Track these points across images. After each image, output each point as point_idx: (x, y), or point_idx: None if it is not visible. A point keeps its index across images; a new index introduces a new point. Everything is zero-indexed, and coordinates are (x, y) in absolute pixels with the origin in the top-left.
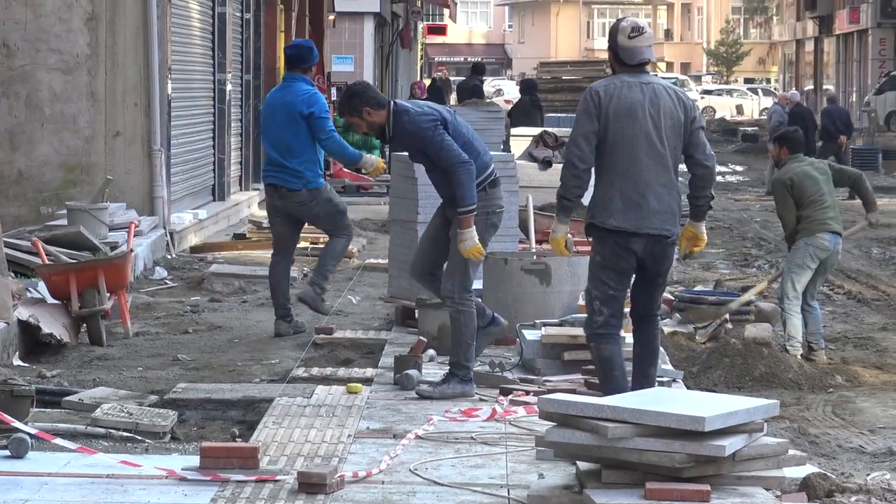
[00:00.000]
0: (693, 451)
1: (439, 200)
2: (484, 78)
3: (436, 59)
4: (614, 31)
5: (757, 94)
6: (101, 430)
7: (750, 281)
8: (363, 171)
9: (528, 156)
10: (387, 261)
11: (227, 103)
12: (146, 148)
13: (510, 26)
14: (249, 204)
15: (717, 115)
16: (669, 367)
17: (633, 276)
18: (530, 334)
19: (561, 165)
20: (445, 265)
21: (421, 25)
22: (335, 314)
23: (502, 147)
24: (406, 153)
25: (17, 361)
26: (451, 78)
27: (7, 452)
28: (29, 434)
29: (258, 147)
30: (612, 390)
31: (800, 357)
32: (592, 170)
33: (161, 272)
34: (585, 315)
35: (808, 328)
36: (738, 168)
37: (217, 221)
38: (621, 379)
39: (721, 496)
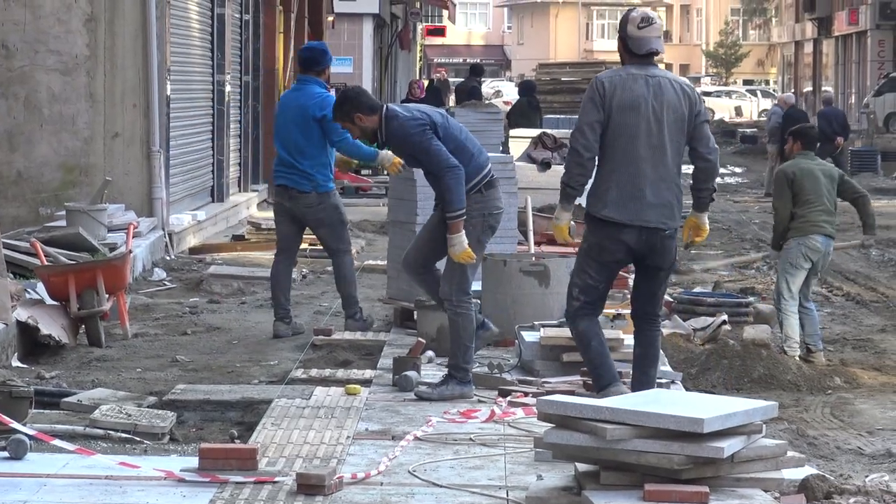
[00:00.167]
0: (692, 453)
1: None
2: (482, 79)
3: (435, 60)
4: (624, 21)
5: (756, 95)
6: (100, 432)
7: (748, 282)
8: (382, 168)
9: (527, 157)
10: (385, 262)
11: (226, 104)
12: (145, 149)
13: (509, 28)
14: (248, 205)
15: (716, 117)
16: (668, 368)
17: (617, 269)
18: (529, 336)
19: (560, 167)
20: (443, 268)
21: (420, 27)
22: (334, 315)
23: (501, 148)
24: None
25: (15, 362)
26: (451, 79)
27: (6, 454)
28: (27, 435)
29: (257, 148)
30: (590, 361)
31: (798, 358)
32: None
33: (160, 273)
34: None
35: (806, 330)
36: (737, 170)
37: (216, 223)
38: (599, 348)
39: (720, 498)
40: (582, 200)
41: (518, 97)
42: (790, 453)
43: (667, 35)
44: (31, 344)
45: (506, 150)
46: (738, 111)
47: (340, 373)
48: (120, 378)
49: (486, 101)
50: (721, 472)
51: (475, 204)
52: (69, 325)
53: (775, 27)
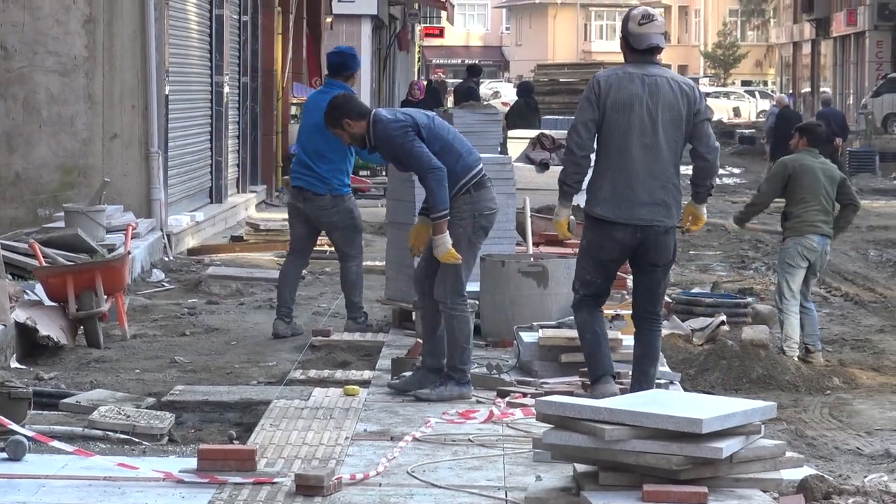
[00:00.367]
0: (690, 453)
1: None
2: (479, 80)
3: (433, 61)
4: (626, 19)
5: (754, 96)
6: (99, 433)
7: (747, 283)
8: None
9: (525, 158)
10: (384, 263)
11: (225, 106)
12: (143, 150)
13: (507, 29)
14: (247, 206)
15: (715, 118)
16: (667, 369)
17: (614, 267)
18: (527, 336)
19: (558, 167)
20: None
21: (418, 28)
22: (332, 316)
23: (499, 149)
24: None
25: (14, 364)
26: (449, 80)
27: (4, 455)
28: (26, 436)
29: (255, 149)
30: (585, 352)
31: (797, 359)
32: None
33: (158, 274)
34: None
35: (805, 330)
36: (735, 170)
37: (214, 224)
38: (592, 339)
39: (718, 498)
40: (582, 200)
41: (516, 98)
42: (789, 454)
43: (665, 36)
44: (30, 345)
45: (504, 150)
46: (737, 112)
47: (339, 374)
48: (118, 379)
49: (485, 102)
50: (720, 472)
51: (464, 205)
52: (68, 326)
53: (773, 28)
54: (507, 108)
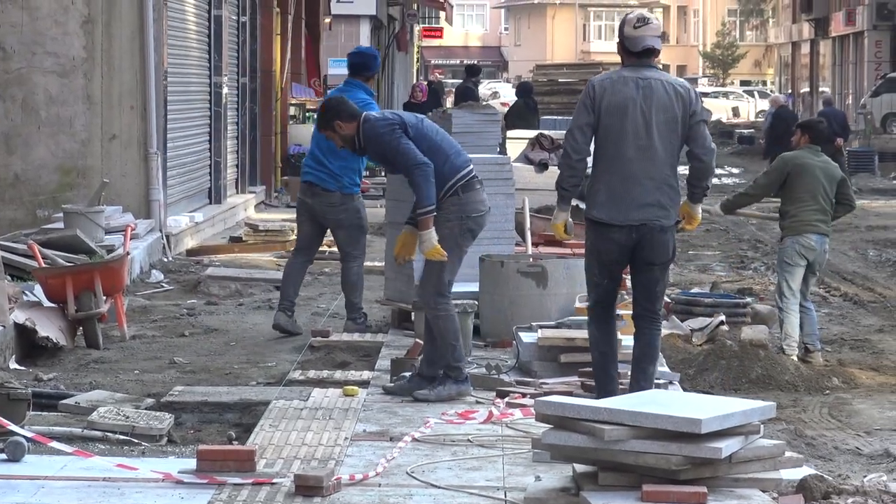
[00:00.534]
0: (689, 454)
1: None
2: (478, 79)
3: (432, 61)
4: (622, 23)
5: (753, 96)
6: (98, 434)
7: (746, 283)
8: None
9: (525, 158)
10: (383, 263)
11: (224, 106)
12: (142, 151)
13: (506, 29)
14: (246, 207)
15: (714, 118)
16: (666, 369)
17: (618, 268)
18: (527, 337)
19: (557, 168)
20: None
21: (417, 28)
22: (332, 317)
23: (498, 150)
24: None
25: (13, 365)
26: (448, 80)
27: (3, 456)
28: (25, 437)
29: (254, 150)
30: (594, 371)
31: (796, 358)
32: (589, 160)
33: (157, 275)
34: (582, 318)
35: (804, 329)
36: (734, 170)
37: (213, 224)
38: (599, 359)
39: (718, 498)
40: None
41: (515, 98)
42: (788, 453)
43: (664, 36)
44: (29, 346)
45: (503, 151)
46: (736, 112)
47: (338, 374)
48: (118, 380)
49: (483, 103)
50: (719, 472)
51: (452, 206)
52: (67, 327)
53: (772, 28)
54: (506, 109)
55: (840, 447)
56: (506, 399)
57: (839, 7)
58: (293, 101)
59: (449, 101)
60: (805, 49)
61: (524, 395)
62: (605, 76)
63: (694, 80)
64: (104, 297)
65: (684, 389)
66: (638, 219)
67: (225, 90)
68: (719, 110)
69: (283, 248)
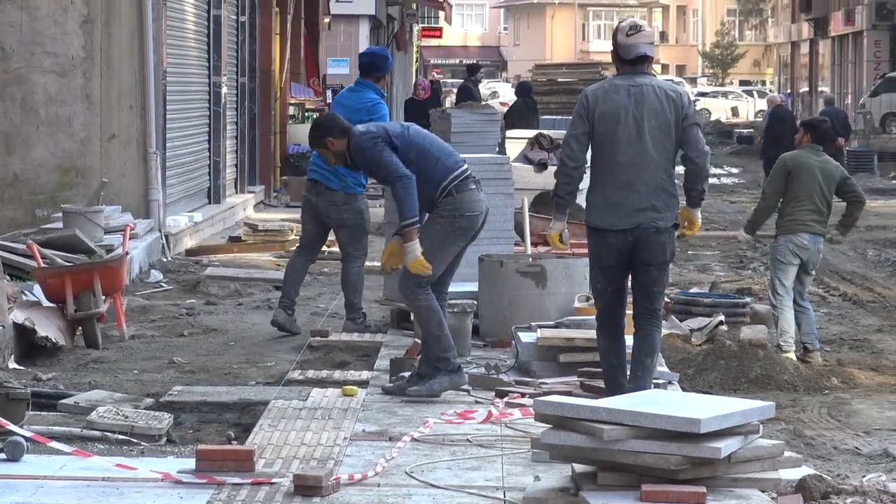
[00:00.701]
0: (689, 453)
1: None
2: (476, 78)
3: (431, 61)
4: (615, 32)
5: (752, 96)
6: (97, 433)
7: (745, 283)
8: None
9: (524, 158)
10: None
11: (223, 106)
12: (141, 151)
13: (505, 29)
14: (245, 207)
15: (713, 118)
16: (665, 369)
17: (618, 273)
18: (526, 337)
19: (556, 167)
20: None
21: (416, 28)
22: (331, 317)
23: (497, 149)
24: None
25: (12, 364)
26: (449, 80)
27: (3, 455)
28: (25, 437)
29: (254, 150)
30: (604, 376)
31: (793, 354)
32: (586, 168)
33: (156, 275)
34: (581, 318)
35: (803, 329)
36: (734, 170)
37: (213, 224)
38: (609, 371)
39: (717, 498)
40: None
41: (515, 98)
42: (787, 453)
43: (663, 36)
44: (28, 346)
45: (502, 150)
46: (735, 112)
47: (337, 374)
48: (117, 380)
49: (483, 103)
50: (718, 472)
51: (445, 206)
52: (66, 326)
53: (771, 28)
54: (505, 109)
55: (839, 447)
56: (505, 399)
57: (838, 7)
58: (292, 101)
59: (449, 101)
60: (804, 49)
61: (523, 395)
62: (598, 86)
63: (693, 80)
64: (103, 297)
65: (683, 389)
66: (631, 224)
67: (224, 90)
68: (718, 110)
69: (282, 248)
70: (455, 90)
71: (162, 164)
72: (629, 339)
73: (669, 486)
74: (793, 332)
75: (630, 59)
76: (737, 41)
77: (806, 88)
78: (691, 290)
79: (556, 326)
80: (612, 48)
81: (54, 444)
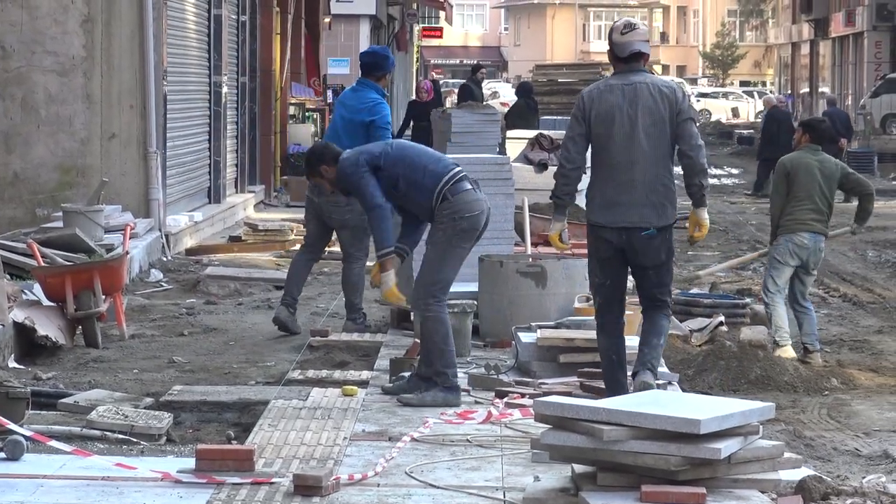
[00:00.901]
0: (688, 454)
1: None
2: (477, 76)
3: (431, 61)
4: (610, 32)
5: (752, 97)
6: (97, 433)
7: (745, 283)
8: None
9: (524, 158)
10: None
11: (223, 106)
12: (142, 150)
13: (506, 29)
14: (245, 206)
15: (713, 118)
16: (665, 369)
17: (615, 267)
18: (526, 337)
19: (556, 168)
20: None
21: (417, 28)
22: (331, 317)
23: (498, 150)
24: None
25: (12, 363)
26: (449, 80)
27: (2, 454)
28: (24, 436)
29: (254, 149)
30: (604, 374)
31: (790, 348)
32: (585, 169)
33: (157, 274)
34: (581, 318)
35: (804, 329)
36: (734, 171)
37: (213, 224)
38: (608, 367)
39: (716, 499)
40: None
41: (516, 98)
42: (787, 454)
43: (663, 36)
44: (28, 345)
45: (503, 151)
46: (735, 112)
47: (337, 374)
48: (117, 379)
49: (484, 103)
50: (718, 473)
51: (444, 210)
52: (66, 326)
53: (772, 28)
54: (506, 109)
55: (839, 448)
56: (505, 399)
57: (839, 7)
58: (293, 101)
59: (449, 101)
60: (805, 49)
61: (523, 396)
62: (594, 86)
63: (693, 81)
64: (103, 297)
65: (683, 390)
66: (629, 220)
67: (224, 89)
68: (719, 111)
69: (282, 248)
70: (455, 90)
71: (162, 164)
72: (629, 340)
73: (669, 487)
74: (787, 325)
75: (625, 57)
76: (737, 42)
77: (806, 89)
78: (691, 291)
79: (556, 327)
80: (608, 48)
81: (54, 444)
